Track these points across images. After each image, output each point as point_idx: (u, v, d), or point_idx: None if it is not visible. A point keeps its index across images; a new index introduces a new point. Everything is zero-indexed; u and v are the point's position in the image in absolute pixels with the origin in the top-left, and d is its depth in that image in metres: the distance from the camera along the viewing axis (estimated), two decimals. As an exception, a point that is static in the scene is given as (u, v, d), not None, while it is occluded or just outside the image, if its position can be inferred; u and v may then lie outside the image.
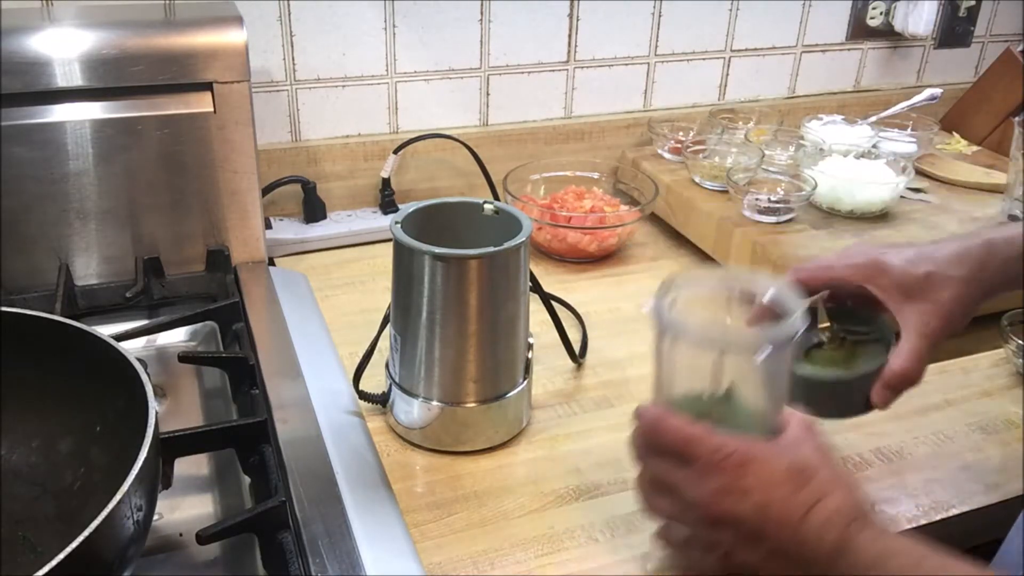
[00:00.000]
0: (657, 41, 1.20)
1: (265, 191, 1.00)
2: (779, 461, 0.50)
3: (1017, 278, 0.60)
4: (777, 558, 0.50)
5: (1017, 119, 1.07)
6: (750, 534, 0.50)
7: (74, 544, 0.45)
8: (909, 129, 1.23)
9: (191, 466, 0.68)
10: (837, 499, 0.50)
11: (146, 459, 0.51)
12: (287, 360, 0.79)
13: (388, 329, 0.73)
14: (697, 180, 1.09)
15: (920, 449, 0.73)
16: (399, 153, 1.07)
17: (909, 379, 0.59)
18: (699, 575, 0.57)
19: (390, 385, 0.74)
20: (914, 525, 0.65)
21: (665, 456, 0.53)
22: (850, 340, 0.62)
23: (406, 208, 0.72)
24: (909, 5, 1.29)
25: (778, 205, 1.00)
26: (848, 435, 0.73)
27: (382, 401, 0.75)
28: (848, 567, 0.48)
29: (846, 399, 0.61)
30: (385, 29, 1.06)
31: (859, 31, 1.32)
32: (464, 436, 0.72)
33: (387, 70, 1.08)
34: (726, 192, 1.06)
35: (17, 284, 0.85)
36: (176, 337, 0.86)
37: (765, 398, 0.54)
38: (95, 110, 0.84)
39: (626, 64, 1.20)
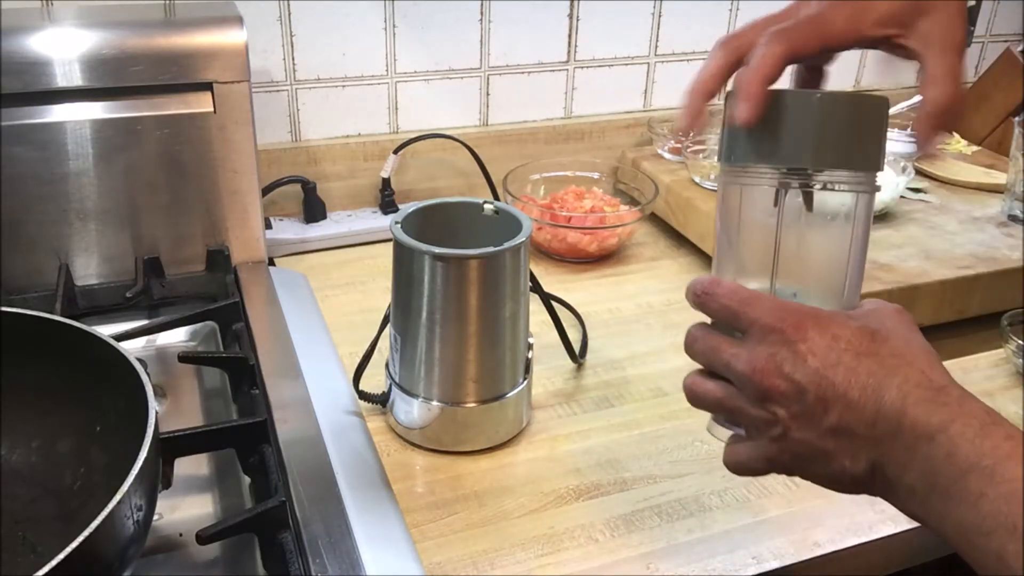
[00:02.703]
0: (657, 41, 1.20)
1: (265, 191, 1.00)
2: (846, 324, 0.44)
3: None
4: (841, 437, 0.43)
5: (1017, 119, 1.07)
6: (809, 407, 0.43)
7: (74, 544, 0.45)
8: (909, 129, 1.23)
9: (191, 466, 0.68)
10: (922, 372, 0.42)
11: (146, 459, 0.51)
12: (287, 360, 0.79)
13: (388, 329, 0.73)
14: (697, 180, 1.09)
15: (920, 449, 0.73)
16: (399, 153, 1.07)
17: (954, 106, 0.48)
18: (759, 470, 0.49)
19: (390, 385, 0.74)
20: (914, 525, 0.65)
21: (712, 330, 0.48)
22: None
23: (406, 208, 0.72)
24: (909, 5, 1.29)
25: (778, 205, 1.00)
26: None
27: (382, 401, 0.75)
28: (941, 460, 0.40)
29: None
30: (385, 29, 1.06)
31: (859, 31, 1.32)
32: (464, 436, 0.72)
33: (387, 70, 1.08)
34: (726, 192, 1.05)
35: (17, 284, 0.85)
36: (176, 337, 0.86)
37: (836, 266, 0.50)
38: (95, 110, 0.84)
39: (626, 64, 1.20)
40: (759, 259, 0.51)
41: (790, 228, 0.49)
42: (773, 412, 0.45)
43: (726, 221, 0.52)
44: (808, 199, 0.49)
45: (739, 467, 0.50)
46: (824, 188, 0.49)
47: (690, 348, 0.50)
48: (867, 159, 0.49)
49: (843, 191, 0.49)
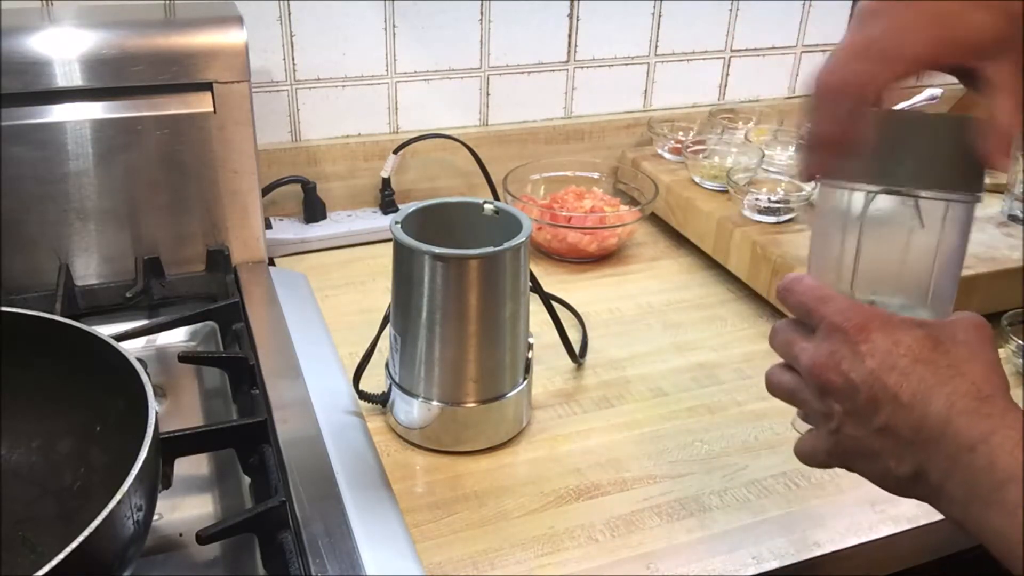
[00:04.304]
0: (657, 41, 1.20)
1: (265, 191, 1.00)
2: (911, 331, 0.45)
3: None
4: (888, 438, 0.44)
5: (1017, 119, 1.06)
6: (861, 405, 0.45)
7: (74, 544, 0.45)
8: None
9: (191, 466, 0.68)
10: (972, 383, 0.43)
11: (146, 459, 0.51)
12: (287, 360, 0.79)
13: (388, 329, 0.73)
14: (697, 180, 1.09)
15: (920, 449, 0.73)
16: (399, 153, 1.07)
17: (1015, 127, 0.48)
18: (821, 462, 0.51)
19: (390, 385, 0.74)
20: (914, 525, 0.65)
21: (793, 325, 0.50)
22: None
23: (406, 208, 0.72)
24: (909, 5, 1.29)
25: (778, 205, 1.00)
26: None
27: (382, 401, 0.75)
28: (981, 470, 0.41)
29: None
30: (385, 29, 1.06)
31: (859, 31, 1.32)
32: (464, 436, 0.72)
33: (387, 70, 1.08)
34: (726, 192, 1.05)
35: (17, 284, 0.85)
36: (176, 337, 0.86)
37: (920, 275, 0.50)
38: (95, 110, 0.84)
39: (626, 64, 1.20)
40: (841, 264, 0.51)
41: (873, 234, 0.50)
42: (830, 407, 0.47)
43: (817, 224, 0.54)
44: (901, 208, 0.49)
45: (805, 457, 0.52)
46: (905, 195, 0.49)
47: (771, 340, 0.53)
48: (966, 180, 0.49)
49: (934, 200, 0.49)
